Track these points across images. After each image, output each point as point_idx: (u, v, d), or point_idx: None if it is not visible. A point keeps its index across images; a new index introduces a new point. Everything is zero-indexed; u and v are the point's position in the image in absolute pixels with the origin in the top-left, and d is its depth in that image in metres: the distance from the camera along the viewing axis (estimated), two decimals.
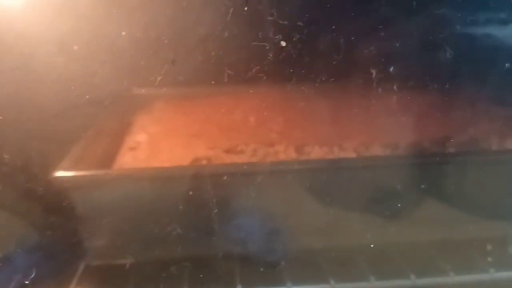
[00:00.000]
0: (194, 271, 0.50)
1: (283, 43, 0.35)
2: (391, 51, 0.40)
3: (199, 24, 0.35)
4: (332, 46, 0.36)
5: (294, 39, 0.35)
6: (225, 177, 0.48)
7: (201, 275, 0.50)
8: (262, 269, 0.50)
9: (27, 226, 0.49)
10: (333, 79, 0.38)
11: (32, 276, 0.46)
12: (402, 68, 0.41)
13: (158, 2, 0.35)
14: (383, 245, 0.51)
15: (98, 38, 0.35)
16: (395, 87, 0.40)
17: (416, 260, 0.51)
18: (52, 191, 0.46)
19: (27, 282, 0.47)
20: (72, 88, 0.36)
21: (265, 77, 0.37)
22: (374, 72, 0.38)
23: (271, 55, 0.36)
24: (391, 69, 0.38)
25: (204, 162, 0.54)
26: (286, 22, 0.34)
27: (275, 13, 0.34)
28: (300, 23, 0.35)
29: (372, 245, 0.47)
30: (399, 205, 0.51)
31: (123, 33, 0.34)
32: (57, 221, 0.49)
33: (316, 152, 0.56)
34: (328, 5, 0.35)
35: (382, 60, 0.38)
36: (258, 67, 0.36)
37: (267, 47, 0.35)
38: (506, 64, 0.46)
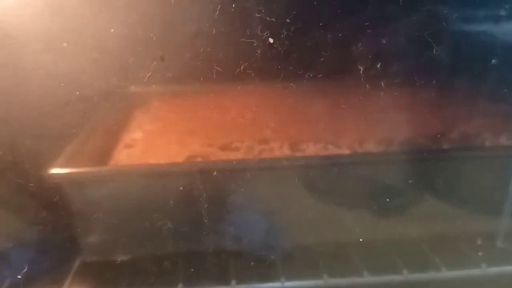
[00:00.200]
0: (188, 267, 0.50)
1: (271, 40, 0.36)
2: (381, 48, 0.40)
3: (187, 21, 0.35)
4: (320, 42, 0.37)
5: (281, 36, 0.35)
6: (218, 173, 0.49)
7: (195, 271, 0.50)
8: (256, 265, 0.50)
9: (21, 223, 0.49)
10: (321, 75, 0.38)
11: (25, 271, 0.46)
12: (392, 65, 0.41)
13: (146, 0, 0.35)
14: (376, 241, 0.51)
15: (87, 35, 0.35)
16: (383, 84, 0.40)
17: (409, 255, 0.51)
18: (46, 188, 0.46)
19: (19, 276, 0.47)
20: (62, 85, 0.36)
21: (253, 74, 0.37)
22: (361, 68, 0.38)
23: (259, 52, 0.36)
24: (379, 65, 0.39)
25: (199, 159, 0.55)
26: (273, 19, 0.35)
27: (263, 10, 0.34)
28: (287, 20, 0.35)
29: (361, 239, 0.47)
30: (391, 201, 0.51)
31: (112, 30, 0.34)
32: (52, 218, 0.49)
33: (311, 149, 0.56)
34: (315, 2, 0.35)
35: (370, 56, 0.38)
36: (246, 64, 0.36)
37: (255, 44, 0.36)
38: (493, 60, 0.46)
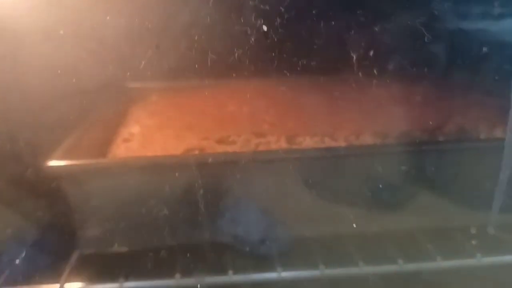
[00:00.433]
0: (185, 257, 0.51)
1: (265, 28, 0.36)
2: (375, 37, 0.41)
3: (182, 10, 0.36)
4: (313, 31, 0.37)
5: (275, 24, 0.36)
6: (215, 165, 0.49)
7: (193, 262, 0.50)
8: (252, 255, 0.51)
9: (18, 215, 0.50)
10: (314, 63, 0.39)
11: (24, 264, 0.47)
12: (383, 55, 0.41)
13: None
14: (371, 231, 0.52)
15: (83, 26, 0.36)
16: (375, 71, 0.40)
17: (404, 245, 0.51)
18: (43, 180, 0.47)
19: (17, 262, 0.47)
20: (59, 74, 0.37)
21: (247, 62, 0.37)
22: (355, 56, 0.38)
23: (253, 40, 0.36)
24: (372, 53, 0.39)
25: (196, 152, 0.55)
26: (267, 7, 0.35)
27: None
28: (281, 8, 0.35)
29: (354, 225, 0.47)
30: (386, 192, 0.51)
31: (108, 18, 0.35)
32: (49, 210, 0.50)
33: (307, 142, 0.57)
34: None
35: (363, 44, 0.39)
36: (241, 52, 0.37)
37: (249, 32, 0.36)
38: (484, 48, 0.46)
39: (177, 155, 0.53)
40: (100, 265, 0.51)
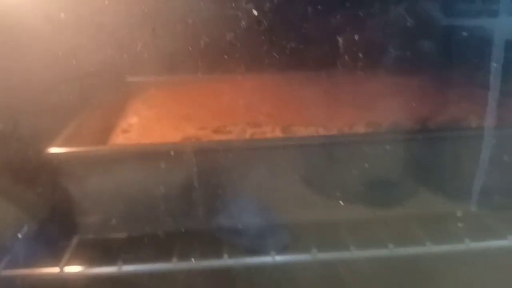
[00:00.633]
0: (182, 242, 0.52)
1: (255, 12, 0.38)
2: (364, 29, 0.42)
3: None
4: (303, 15, 0.38)
5: (265, 8, 0.37)
6: (211, 153, 0.51)
7: (190, 246, 0.52)
8: (247, 240, 0.52)
9: (19, 200, 0.51)
10: (302, 46, 0.40)
11: (24, 243, 0.48)
12: (376, 48, 0.43)
13: None
14: (362, 217, 0.53)
15: (81, 10, 0.37)
16: (360, 64, 0.42)
17: (394, 230, 0.53)
18: (44, 166, 0.48)
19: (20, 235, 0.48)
20: (60, 55, 0.38)
21: (238, 45, 0.39)
22: (341, 40, 0.40)
23: (244, 24, 0.38)
24: (358, 37, 0.40)
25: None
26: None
27: None
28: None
29: (341, 202, 0.48)
30: (378, 179, 0.53)
31: (106, 2, 0.36)
32: (50, 196, 0.51)
33: (302, 132, 0.58)
34: None
35: (348, 28, 0.40)
36: (233, 35, 0.38)
37: (240, 15, 0.37)
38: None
39: (174, 143, 0.54)
40: (99, 249, 0.52)
